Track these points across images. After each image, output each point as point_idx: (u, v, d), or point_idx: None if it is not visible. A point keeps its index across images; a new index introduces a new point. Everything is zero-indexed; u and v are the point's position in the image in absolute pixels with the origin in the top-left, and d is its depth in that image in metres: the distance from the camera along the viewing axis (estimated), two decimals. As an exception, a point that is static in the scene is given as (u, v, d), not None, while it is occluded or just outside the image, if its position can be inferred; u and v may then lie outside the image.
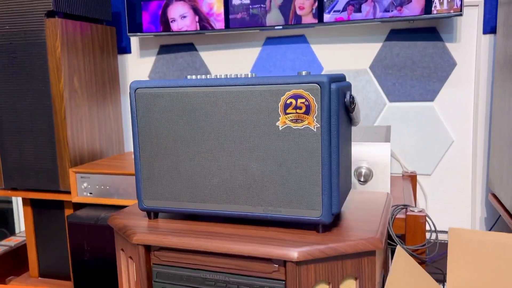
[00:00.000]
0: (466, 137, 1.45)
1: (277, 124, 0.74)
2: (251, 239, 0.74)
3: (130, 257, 0.83)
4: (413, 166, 1.51)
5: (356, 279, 0.74)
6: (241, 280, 0.74)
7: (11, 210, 2.04)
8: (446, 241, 1.43)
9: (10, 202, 2.04)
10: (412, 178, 1.41)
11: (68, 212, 1.49)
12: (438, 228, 1.50)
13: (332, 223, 0.79)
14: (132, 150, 1.79)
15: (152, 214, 0.85)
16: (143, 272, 0.79)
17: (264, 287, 0.73)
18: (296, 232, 0.77)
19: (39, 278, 1.58)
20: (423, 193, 1.51)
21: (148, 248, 0.80)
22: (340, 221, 0.81)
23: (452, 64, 1.43)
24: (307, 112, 0.72)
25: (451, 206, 1.49)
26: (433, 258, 1.29)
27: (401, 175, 1.47)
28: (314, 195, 0.74)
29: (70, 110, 1.43)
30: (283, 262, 0.72)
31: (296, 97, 0.73)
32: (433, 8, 1.32)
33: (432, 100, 1.46)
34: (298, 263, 0.70)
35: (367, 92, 1.52)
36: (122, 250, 0.85)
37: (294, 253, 0.70)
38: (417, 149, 1.49)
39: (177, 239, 0.76)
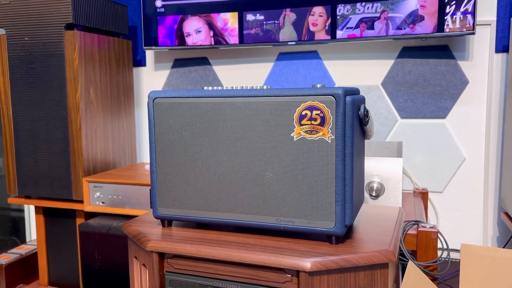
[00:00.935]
0: (478, 155, 1.45)
1: (291, 135, 0.76)
2: (264, 249, 0.75)
3: (143, 265, 0.84)
4: (424, 183, 1.50)
5: (368, 291, 0.74)
6: (254, 289, 0.75)
7: (23, 218, 2.06)
8: (458, 260, 1.42)
9: (22, 210, 2.06)
10: (423, 195, 1.41)
11: (79, 221, 1.51)
12: (449, 246, 1.49)
13: (345, 235, 0.80)
14: (144, 161, 1.81)
15: (166, 222, 0.86)
16: (156, 280, 0.80)
17: (276, 297, 0.73)
18: (308, 243, 0.77)
19: (49, 286, 1.59)
20: (434, 211, 1.50)
21: (161, 256, 0.80)
22: (353, 233, 0.81)
23: (464, 82, 1.44)
24: (322, 123, 0.74)
25: (463, 224, 1.48)
26: (444, 276, 1.28)
27: (412, 191, 1.47)
28: (327, 206, 0.75)
29: (85, 121, 1.45)
30: (296, 272, 0.72)
31: (311, 108, 0.74)
32: (445, 26, 1.34)
33: (444, 117, 1.47)
34: (311, 273, 0.71)
35: (378, 108, 1.53)
36: (136, 257, 0.86)
37: (307, 263, 0.70)
38: (429, 166, 1.49)
39: (191, 247, 0.76)
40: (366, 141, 1.49)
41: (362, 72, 1.54)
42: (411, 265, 0.93)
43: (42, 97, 1.46)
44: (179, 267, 0.79)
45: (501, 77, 1.40)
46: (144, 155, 1.83)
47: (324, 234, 0.75)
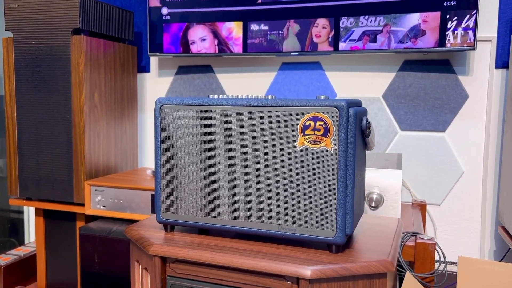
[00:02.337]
0: (476, 168, 1.47)
1: (295, 144, 0.77)
2: (265, 256, 0.76)
3: (145, 269, 0.85)
4: (423, 195, 1.52)
5: (367, 300, 0.75)
6: (254, 296, 0.76)
7: (22, 220, 2.07)
8: (455, 272, 1.43)
9: (21, 212, 2.06)
10: (421, 207, 1.42)
11: (79, 224, 1.52)
12: (446, 259, 1.50)
13: (345, 244, 0.81)
14: (146, 166, 1.82)
15: (169, 226, 0.87)
16: (158, 284, 0.81)
17: (276, 303, 0.74)
18: (309, 251, 0.78)
19: (47, 289, 1.59)
20: (432, 223, 1.51)
21: (164, 260, 0.81)
22: (353, 242, 0.83)
23: (464, 97, 1.46)
24: (325, 134, 0.75)
25: (460, 237, 1.49)
26: (441, 288, 1.29)
27: (410, 203, 1.48)
28: (328, 215, 0.76)
29: (89, 125, 1.47)
30: (296, 280, 0.73)
31: (315, 119, 0.75)
32: (447, 41, 1.36)
33: (443, 130, 1.48)
34: (311, 281, 0.72)
35: (379, 120, 1.54)
36: (137, 261, 0.87)
37: (307, 271, 0.71)
38: (427, 178, 1.51)
39: (193, 252, 0.78)
40: (366, 152, 1.50)
41: (363, 84, 1.56)
42: (408, 276, 0.94)
43: (46, 100, 1.47)
44: (181, 272, 0.80)
45: (500, 92, 1.42)
46: (145, 160, 1.84)
47: (324, 242, 0.77)
